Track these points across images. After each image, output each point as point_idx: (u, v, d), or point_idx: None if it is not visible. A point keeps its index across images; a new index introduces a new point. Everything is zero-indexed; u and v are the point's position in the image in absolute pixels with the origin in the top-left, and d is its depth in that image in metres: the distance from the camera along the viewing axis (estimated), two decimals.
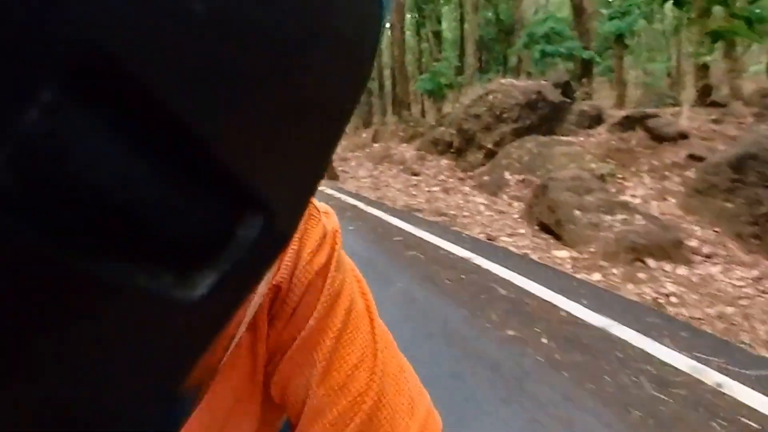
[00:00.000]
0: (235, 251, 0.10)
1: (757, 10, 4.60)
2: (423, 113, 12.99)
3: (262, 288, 0.29)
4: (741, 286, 2.56)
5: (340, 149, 8.16)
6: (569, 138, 5.00)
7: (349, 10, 0.10)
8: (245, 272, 0.10)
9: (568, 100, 5.75)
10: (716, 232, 3.22)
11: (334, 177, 6.72)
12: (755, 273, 2.69)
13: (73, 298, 0.08)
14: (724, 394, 1.65)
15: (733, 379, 1.75)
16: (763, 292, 2.48)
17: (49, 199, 0.07)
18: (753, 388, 1.68)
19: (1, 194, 0.06)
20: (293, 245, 0.31)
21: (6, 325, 0.07)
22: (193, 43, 0.07)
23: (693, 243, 3.08)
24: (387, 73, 14.98)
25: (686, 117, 4.61)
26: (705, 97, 5.93)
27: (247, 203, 0.10)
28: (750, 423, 1.52)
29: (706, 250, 3.00)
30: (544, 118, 5.54)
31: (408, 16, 13.54)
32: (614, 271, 2.70)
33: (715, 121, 4.42)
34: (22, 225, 0.07)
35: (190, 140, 0.08)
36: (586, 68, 7.58)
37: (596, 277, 2.68)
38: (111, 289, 0.08)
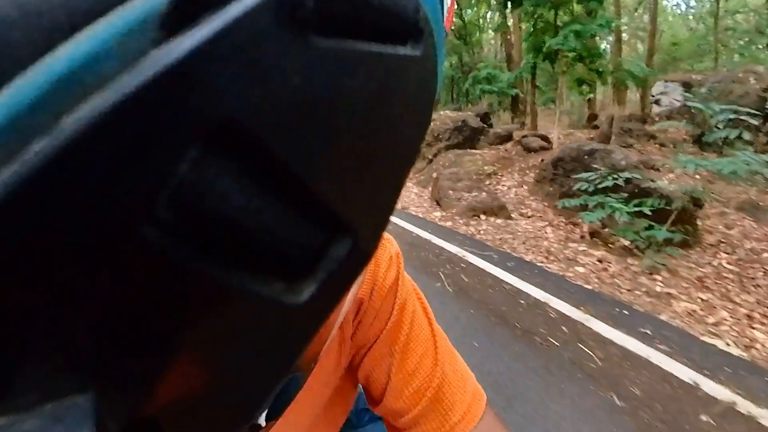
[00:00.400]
0: (329, 265, 0.12)
1: (601, 69, 6.67)
2: None
3: (350, 296, 0.34)
4: (530, 230, 4.41)
5: None
6: (476, 151, 6.94)
7: (412, 74, 0.13)
8: (337, 282, 0.13)
9: (486, 126, 7.73)
10: (544, 205, 5.10)
11: None
12: (545, 224, 4.54)
13: (211, 299, 0.10)
14: (483, 270, 3.42)
15: (495, 265, 3.57)
16: (538, 230, 4.33)
17: (195, 226, 0.09)
18: (496, 265, 3.45)
19: (163, 224, 0.09)
20: (370, 266, 0.41)
21: (165, 321, 0.10)
22: (296, 110, 0.10)
23: (524, 210, 4.93)
24: None
25: (556, 136, 6.57)
26: (591, 121, 7.95)
27: (339, 229, 0.12)
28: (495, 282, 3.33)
29: (529, 212, 4.86)
30: (467, 138, 7.50)
31: None
32: (460, 221, 4.55)
33: (568, 137, 6.37)
34: (177, 245, 0.09)
35: (297, 183, 0.11)
36: (514, 101, 9.64)
37: (449, 224, 4.53)
38: (239, 294, 0.11)
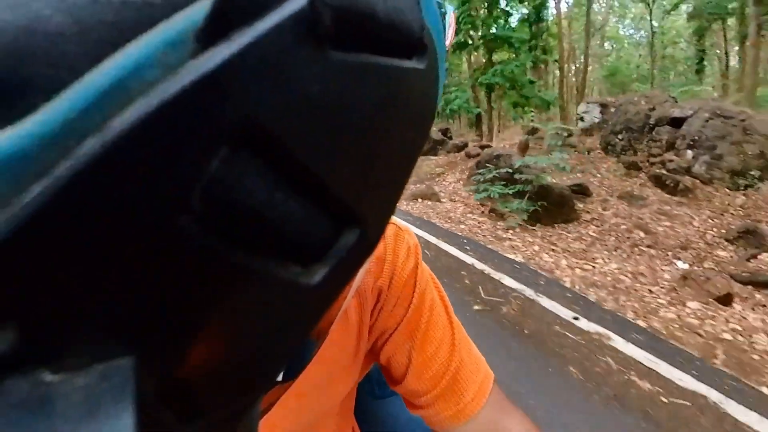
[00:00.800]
0: (340, 252, 0.14)
1: (531, 95, 8.70)
2: None
3: (359, 280, 0.39)
4: (448, 208, 6.37)
5: None
6: (434, 157, 8.95)
7: (417, 85, 0.15)
8: (346, 267, 0.15)
9: (446, 138, 9.75)
10: (468, 193, 7.06)
11: None
12: (463, 206, 6.50)
13: (237, 280, 0.12)
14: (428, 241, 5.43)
15: (432, 235, 5.55)
16: (454, 208, 6.28)
17: (224, 217, 0.11)
18: (412, 225, 5.41)
19: (197, 214, 0.10)
20: (389, 257, 0.44)
21: (198, 297, 0.11)
22: (314, 115, 0.11)
23: (454, 197, 6.90)
24: None
25: (494, 145, 8.57)
26: (533, 134, 9.93)
27: (350, 220, 0.14)
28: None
29: (457, 198, 6.83)
30: (430, 148, 9.51)
31: None
32: (403, 202, 6.55)
33: (512, 146, 8.36)
34: (208, 233, 0.10)
35: (314, 179, 0.12)
36: (478, 118, 11.68)
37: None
38: (261, 275, 0.12)
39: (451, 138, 10.01)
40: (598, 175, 7.88)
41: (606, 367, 2.20)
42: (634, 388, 2.04)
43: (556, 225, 5.93)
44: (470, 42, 7.97)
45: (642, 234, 5.99)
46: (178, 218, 0.10)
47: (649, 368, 2.20)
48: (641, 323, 2.89)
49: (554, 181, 6.16)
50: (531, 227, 5.58)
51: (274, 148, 0.11)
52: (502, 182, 5.80)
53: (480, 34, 7.59)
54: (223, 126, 0.10)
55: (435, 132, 9.74)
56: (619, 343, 2.50)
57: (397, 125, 0.15)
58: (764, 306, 3.61)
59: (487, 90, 8.38)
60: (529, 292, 3.25)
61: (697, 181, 7.69)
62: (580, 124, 9.32)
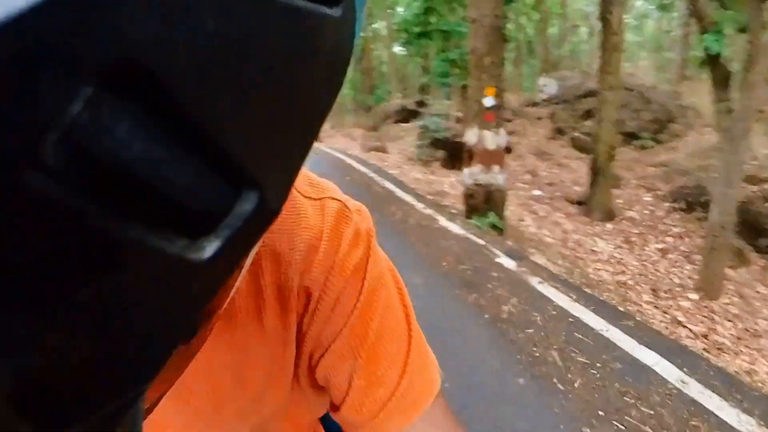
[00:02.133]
0: (235, 222, 0.12)
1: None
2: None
3: (256, 253, 0.30)
4: (398, 159, 9.08)
5: (326, 128, 15.19)
6: (404, 124, 11.55)
7: (329, 34, 0.13)
8: (242, 240, 0.13)
9: (421, 109, 12.26)
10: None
11: (319, 140, 13.79)
12: (409, 161, 9.18)
13: (106, 253, 0.09)
14: (362, 172, 8.23)
15: (368, 170, 8.37)
16: (400, 161, 8.99)
17: (88, 171, 0.09)
18: (369, 170, 8.18)
19: (51, 170, 0.08)
20: (325, 245, 0.33)
21: (57, 276, 0.09)
22: (207, 56, 0.10)
23: (403, 153, 9.57)
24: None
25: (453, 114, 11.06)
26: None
27: (245, 183, 0.12)
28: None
29: (404, 153, 9.51)
30: (404, 117, 12.07)
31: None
32: (366, 155, 9.33)
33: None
34: (68, 194, 0.08)
35: (202, 132, 0.10)
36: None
37: (362, 156, 9.34)
38: (135, 249, 0.10)
39: (426, 107, 12.54)
40: (528, 138, 10.26)
41: (414, 214, 4.93)
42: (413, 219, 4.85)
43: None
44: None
45: (529, 176, 8.49)
46: (25, 175, 0.08)
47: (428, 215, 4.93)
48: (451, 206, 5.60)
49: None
50: (448, 169, 8.22)
51: (154, 92, 0.09)
52: (430, 140, 8.46)
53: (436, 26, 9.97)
54: (88, 58, 0.08)
55: (411, 104, 12.21)
56: (432, 215, 5.21)
57: (305, 76, 0.13)
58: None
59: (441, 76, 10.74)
60: (419, 207, 5.96)
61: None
62: (540, 95, 11.51)
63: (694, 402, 1.93)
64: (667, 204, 6.99)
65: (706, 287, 3.69)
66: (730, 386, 2.06)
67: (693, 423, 1.82)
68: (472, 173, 4.74)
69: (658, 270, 4.83)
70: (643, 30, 21.04)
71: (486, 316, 2.64)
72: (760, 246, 5.40)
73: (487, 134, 4.55)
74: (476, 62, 4.35)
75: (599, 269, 4.71)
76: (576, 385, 2.03)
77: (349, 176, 7.36)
